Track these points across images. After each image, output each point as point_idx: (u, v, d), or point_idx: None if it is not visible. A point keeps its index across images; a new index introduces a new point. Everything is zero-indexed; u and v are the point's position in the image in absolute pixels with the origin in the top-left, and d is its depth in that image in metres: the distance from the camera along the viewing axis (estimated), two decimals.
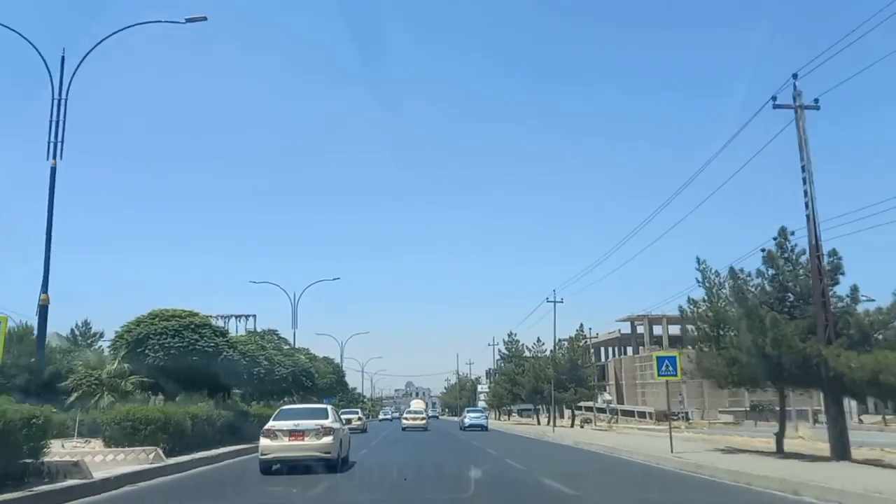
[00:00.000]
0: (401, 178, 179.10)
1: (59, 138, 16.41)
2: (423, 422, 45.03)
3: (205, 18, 17.54)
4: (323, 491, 11.94)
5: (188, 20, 17.48)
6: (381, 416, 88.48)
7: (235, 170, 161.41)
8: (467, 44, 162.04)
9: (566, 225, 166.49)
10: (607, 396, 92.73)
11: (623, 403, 79.04)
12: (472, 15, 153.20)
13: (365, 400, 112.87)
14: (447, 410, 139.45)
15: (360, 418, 40.89)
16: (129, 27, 18.32)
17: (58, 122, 16.47)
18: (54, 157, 16.35)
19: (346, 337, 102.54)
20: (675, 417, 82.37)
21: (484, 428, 43.97)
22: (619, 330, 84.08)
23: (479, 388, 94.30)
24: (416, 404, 75.75)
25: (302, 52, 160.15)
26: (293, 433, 14.32)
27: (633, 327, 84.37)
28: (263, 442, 14.37)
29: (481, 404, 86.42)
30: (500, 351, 68.08)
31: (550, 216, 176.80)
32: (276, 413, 16.08)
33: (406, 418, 46.50)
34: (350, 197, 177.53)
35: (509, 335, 67.91)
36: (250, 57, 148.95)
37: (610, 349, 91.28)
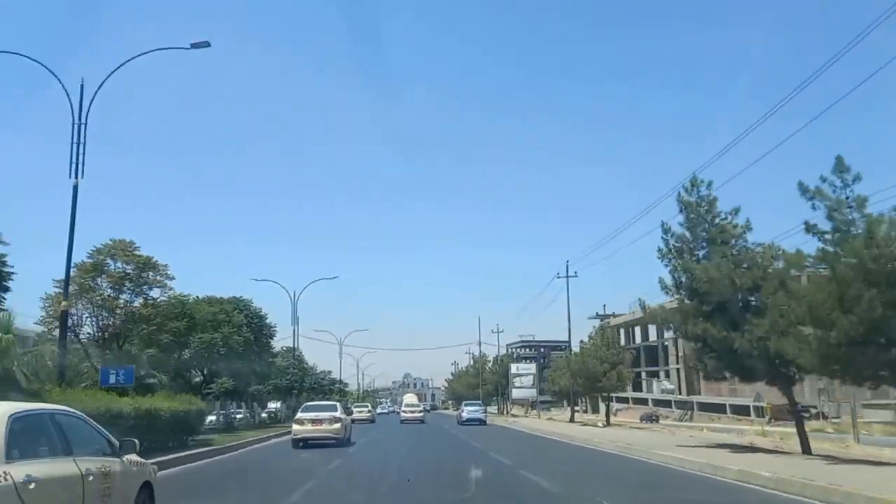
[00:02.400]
0: (397, 170, 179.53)
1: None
2: (421, 414, 51.32)
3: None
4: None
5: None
6: (378, 411, 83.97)
7: (230, 161, 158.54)
8: (466, 36, 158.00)
9: (568, 216, 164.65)
10: (667, 385, 76.36)
11: (695, 394, 62.59)
12: (470, 6, 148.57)
13: (346, 390, 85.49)
14: (452, 403, 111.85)
15: (369, 411, 55.00)
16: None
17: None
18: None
19: (302, 286, 65.26)
20: (807, 416, 54.75)
21: (482, 422, 42.77)
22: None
23: (514, 367, 67.56)
24: (409, 398, 75.17)
25: (298, 45, 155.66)
26: (314, 421, 23.44)
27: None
28: (295, 427, 23.60)
29: (526, 392, 60.06)
30: (665, 231, 19.89)
31: (556, 207, 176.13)
32: (301, 408, 25.89)
33: (404, 411, 51.94)
34: (347, 188, 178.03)
35: (692, 182, 19.64)
36: (248, 48, 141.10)
37: (632, 330, 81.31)
